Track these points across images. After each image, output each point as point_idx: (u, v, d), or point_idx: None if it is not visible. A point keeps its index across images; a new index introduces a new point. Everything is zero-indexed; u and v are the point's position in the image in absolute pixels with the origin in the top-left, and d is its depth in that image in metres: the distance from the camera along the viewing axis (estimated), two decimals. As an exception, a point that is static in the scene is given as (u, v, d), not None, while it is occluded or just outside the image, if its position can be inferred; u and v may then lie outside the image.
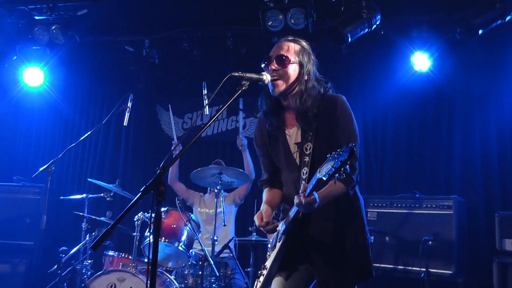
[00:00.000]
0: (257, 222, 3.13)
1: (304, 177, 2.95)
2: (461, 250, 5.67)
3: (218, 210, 5.63)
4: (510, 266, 5.38)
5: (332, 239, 3.04)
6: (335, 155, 2.51)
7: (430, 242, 5.53)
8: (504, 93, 6.46)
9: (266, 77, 2.99)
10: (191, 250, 5.60)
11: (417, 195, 5.95)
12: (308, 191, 2.72)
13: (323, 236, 3.05)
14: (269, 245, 3.25)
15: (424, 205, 5.80)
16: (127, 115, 5.54)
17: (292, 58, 3.07)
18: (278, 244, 3.09)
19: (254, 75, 2.93)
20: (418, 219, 5.78)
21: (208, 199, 6.68)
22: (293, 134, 3.15)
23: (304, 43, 3.18)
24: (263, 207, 3.22)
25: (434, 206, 5.74)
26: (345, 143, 2.87)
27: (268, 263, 3.14)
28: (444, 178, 6.60)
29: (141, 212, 5.48)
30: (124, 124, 5.61)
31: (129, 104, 5.59)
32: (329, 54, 6.60)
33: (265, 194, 3.34)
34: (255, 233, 5.79)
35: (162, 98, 8.35)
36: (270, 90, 3.07)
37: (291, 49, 3.11)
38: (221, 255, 5.84)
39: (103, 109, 8.33)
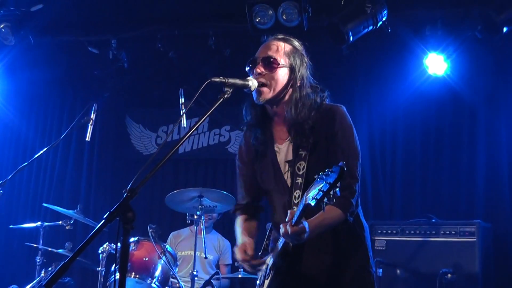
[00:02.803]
0: (239, 256, 3.09)
1: (296, 201, 2.93)
2: (487, 285, 5.68)
3: (198, 238, 5.63)
4: (543, 304, 5.41)
5: (329, 276, 3.03)
6: (323, 176, 2.48)
7: (449, 275, 5.54)
8: (535, 100, 6.54)
9: (253, 82, 2.97)
10: (166, 288, 5.58)
11: (433, 220, 5.97)
12: (295, 219, 2.67)
13: (318, 272, 3.04)
14: (257, 282, 3.24)
15: (442, 232, 5.82)
16: (90, 128, 5.51)
17: (282, 60, 3.05)
18: (266, 282, 3.08)
19: (238, 81, 2.92)
20: (435, 248, 5.79)
21: (186, 235, 6.70)
22: (283, 150, 3.13)
23: (296, 43, 3.16)
24: (244, 238, 3.19)
25: (453, 232, 5.76)
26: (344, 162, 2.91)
27: None
28: (465, 200, 6.64)
29: (107, 243, 5.46)
30: (87, 139, 5.58)
31: (93, 116, 5.56)
32: (327, 56, 6.65)
33: (240, 224, 3.32)
34: (242, 269, 5.78)
35: (132, 108, 8.36)
36: (254, 98, 3.05)
37: (281, 49, 3.08)
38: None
39: (62, 122, 8.32)
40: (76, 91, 8.34)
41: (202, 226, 5.60)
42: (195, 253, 5.60)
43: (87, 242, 2.31)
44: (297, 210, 2.69)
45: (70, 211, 5.94)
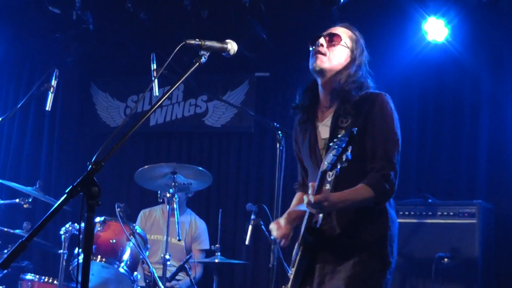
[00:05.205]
0: (273, 233, 3.54)
1: (329, 179, 3.18)
2: (487, 270, 5.77)
3: (171, 219, 5.66)
4: (548, 291, 5.50)
5: (343, 252, 3.32)
6: (337, 142, 3.00)
7: (446, 260, 5.60)
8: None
9: (232, 45, 3.02)
10: (136, 273, 5.61)
11: (430, 200, 6.02)
12: (316, 187, 3.09)
13: (335, 248, 3.34)
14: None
15: (439, 213, 5.87)
16: (51, 96, 5.49)
17: (344, 40, 3.49)
18: (297, 259, 3.37)
19: (216, 44, 2.95)
20: (431, 231, 5.84)
21: (157, 216, 6.74)
22: (322, 128, 3.46)
23: (358, 33, 3.62)
24: (286, 213, 3.62)
25: (452, 214, 5.81)
26: (381, 148, 3.29)
27: (289, 284, 3.42)
28: (465, 179, 6.68)
29: (70, 223, 5.46)
30: (47, 108, 5.57)
31: (54, 83, 5.54)
32: (316, 19, 6.58)
33: (295, 198, 3.80)
34: (219, 253, 5.83)
35: (99, 75, 8.32)
36: (310, 63, 3.44)
37: (346, 32, 3.55)
38: (175, 279, 5.87)
39: (19, 90, 8.26)
40: (34, 55, 8.26)
41: (175, 206, 5.61)
42: (167, 235, 5.63)
43: (47, 219, 2.30)
44: (316, 179, 3.12)
45: (29, 188, 5.92)
